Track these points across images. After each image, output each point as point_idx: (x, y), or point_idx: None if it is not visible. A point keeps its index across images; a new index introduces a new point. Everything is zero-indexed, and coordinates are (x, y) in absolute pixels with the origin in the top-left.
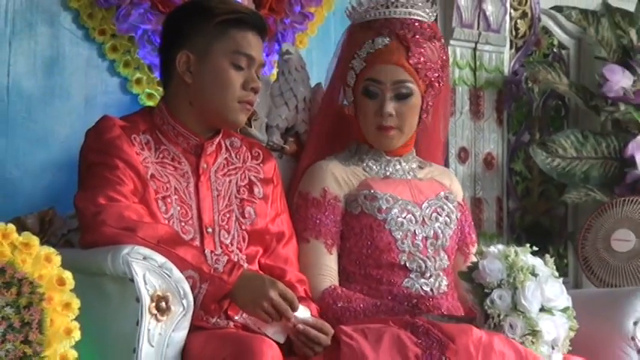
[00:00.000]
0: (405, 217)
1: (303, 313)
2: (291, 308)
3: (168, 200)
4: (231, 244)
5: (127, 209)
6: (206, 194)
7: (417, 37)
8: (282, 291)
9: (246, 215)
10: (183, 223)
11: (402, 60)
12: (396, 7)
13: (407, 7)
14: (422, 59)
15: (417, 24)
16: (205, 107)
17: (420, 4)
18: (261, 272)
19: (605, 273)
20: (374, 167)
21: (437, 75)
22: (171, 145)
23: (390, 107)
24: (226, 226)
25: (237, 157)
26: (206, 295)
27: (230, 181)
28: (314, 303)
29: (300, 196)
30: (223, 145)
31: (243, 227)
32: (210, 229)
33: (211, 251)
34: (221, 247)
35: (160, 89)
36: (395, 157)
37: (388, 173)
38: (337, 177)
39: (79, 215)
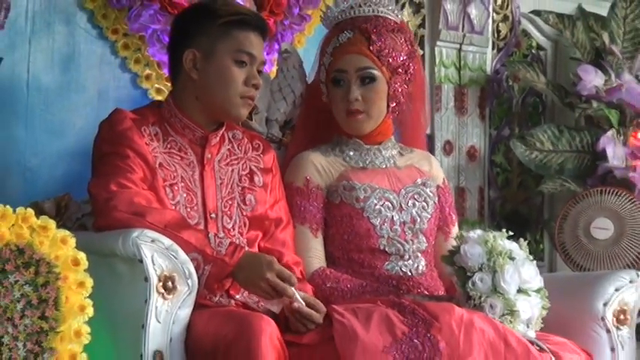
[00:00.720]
0: (382, 205)
1: (297, 293)
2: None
3: (175, 188)
4: (233, 229)
5: (136, 195)
6: (210, 182)
7: (379, 28)
8: (279, 271)
9: (247, 202)
10: (188, 209)
11: (364, 49)
12: (361, 7)
13: (371, 6)
14: (382, 46)
15: (380, 19)
16: (210, 102)
17: (386, 3)
18: (261, 254)
19: (582, 258)
20: (354, 157)
21: (401, 61)
22: (178, 137)
23: (357, 93)
24: (229, 212)
25: (239, 148)
26: (209, 276)
27: (232, 171)
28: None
29: (286, 186)
30: (226, 137)
31: (244, 213)
32: (213, 215)
33: (215, 234)
34: (223, 232)
35: (168, 85)
36: (374, 145)
37: (368, 162)
38: (318, 167)
39: (92, 201)
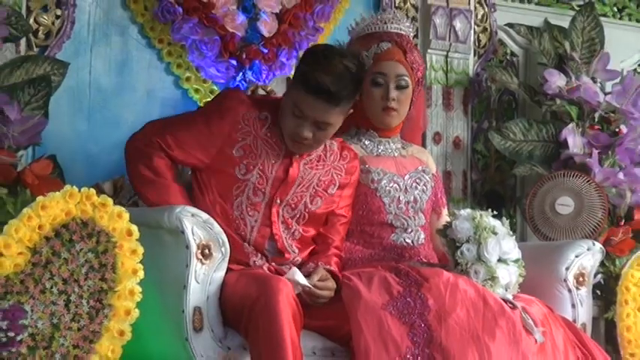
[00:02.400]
0: (391, 187)
1: (303, 279)
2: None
3: (251, 167)
4: (292, 218)
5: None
6: (293, 177)
7: (409, 44)
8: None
9: (314, 202)
10: (256, 188)
11: (402, 59)
12: (392, 23)
13: (397, 24)
14: (413, 60)
15: (405, 36)
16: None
17: (404, 21)
18: None
19: (548, 230)
20: (369, 145)
21: (421, 75)
22: (279, 131)
23: (394, 94)
24: (293, 205)
25: (330, 156)
26: None
27: (314, 174)
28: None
29: None
30: (326, 144)
31: (307, 209)
32: (278, 201)
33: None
34: (282, 218)
35: (205, 85)
36: (385, 138)
37: (380, 150)
38: None
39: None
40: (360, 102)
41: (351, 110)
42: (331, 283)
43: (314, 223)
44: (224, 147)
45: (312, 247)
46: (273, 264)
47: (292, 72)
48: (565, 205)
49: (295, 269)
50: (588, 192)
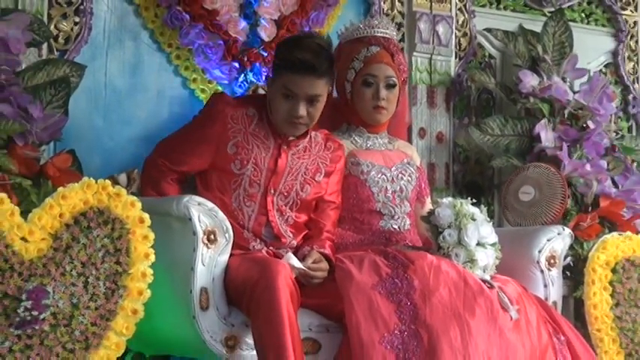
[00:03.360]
0: (379, 177)
1: (297, 262)
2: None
3: (245, 162)
4: (285, 206)
5: (162, 179)
6: (282, 167)
7: (396, 48)
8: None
9: (304, 190)
10: (252, 181)
11: (390, 61)
12: (379, 28)
13: (384, 29)
14: (399, 62)
15: (392, 40)
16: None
17: (389, 26)
18: None
19: (515, 216)
20: (359, 140)
21: (406, 76)
22: (266, 125)
23: (384, 93)
24: (285, 193)
25: (315, 147)
26: None
27: (302, 164)
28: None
29: None
30: (310, 136)
31: (299, 197)
32: (272, 191)
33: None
34: (277, 206)
35: (210, 85)
36: (373, 134)
37: (369, 145)
38: None
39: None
40: (351, 101)
41: (332, 88)
42: (324, 265)
43: (305, 209)
44: (219, 147)
45: (305, 232)
46: (271, 248)
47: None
48: (527, 193)
49: (290, 254)
50: (548, 181)
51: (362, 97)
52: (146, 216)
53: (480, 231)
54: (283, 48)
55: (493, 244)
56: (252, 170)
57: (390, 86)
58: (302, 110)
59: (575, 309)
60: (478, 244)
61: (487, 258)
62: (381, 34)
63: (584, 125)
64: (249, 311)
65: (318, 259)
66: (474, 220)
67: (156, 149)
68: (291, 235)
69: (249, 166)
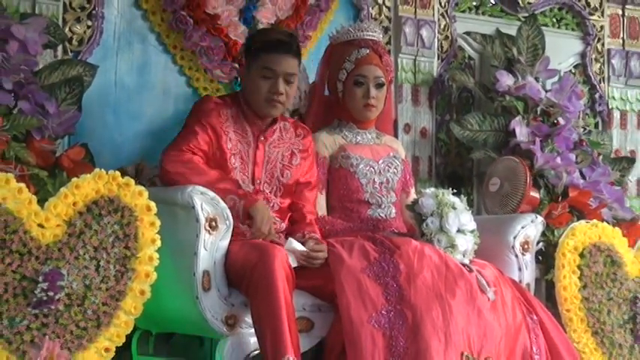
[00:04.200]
0: (368, 170)
1: (299, 246)
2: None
3: (236, 157)
4: (270, 192)
5: (189, 161)
6: (260, 158)
7: (383, 50)
8: (267, 217)
9: (284, 175)
10: (241, 174)
11: (379, 63)
12: (367, 31)
13: (372, 32)
14: (387, 63)
15: (379, 42)
16: (251, 104)
17: (377, 30)
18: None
19: (487, 205)
20: (349, 135)
21: (392, 76)
22: (244, 121)
23: (373, 92)
24: (269, 181)
25: (286, 135)
26: (242, 208)
27: (278, 152)
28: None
29: None
30: (279, 127)
31: (281, 183)
32: (258, 181)
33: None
34: (263, 194)
35: (212, 84)
36: (362, 129)
37: (358, 140)
38: (325, 143)
39: (165, 150)
40: (342, 99)
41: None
42: (323, 247)
43: (288, 193)
44: (217, 140)
45: (289, 215)
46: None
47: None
48: (494, 184)
49: (291, 239)
50: (514, 174)
51: (353, 96)
52: (153, 204)
53: (460, 219)
54: (257, 35)
55: (472, 231)
56: (240, 163)
57: (379, 85)
58: (282, 87)
59: (547, 290)
60: (458, 230)
61: (466, 244)
62: (370, 37)
63: (555, 121)
64: (248, 293)
65: (316, 243)
66: (454, 208)
67: (168, 151)
68: (278, 220)
69: (237, 159)
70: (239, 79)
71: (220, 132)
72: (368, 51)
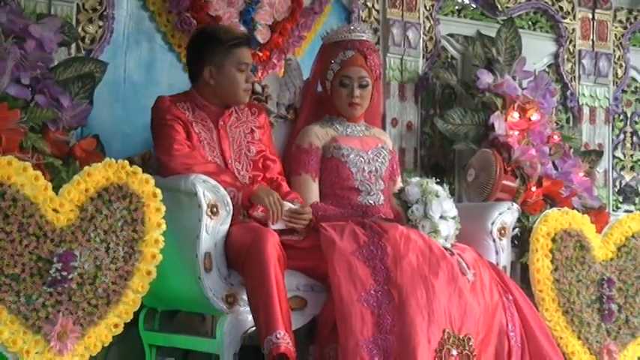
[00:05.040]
0: (358, 159)
1: (289, 204)
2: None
3: (204, 144)
4: (242, 169)
5: (187, 156)
6: (225, 140)
7: (369, 50)
8: (276, 196)
9: (250, 151)
10: (212, 158)
11: (363, 64)
12: (355, 32)
13: (360, 33)
14: (373, 63)
15: (366, 42)
16: (225, 95)
17: (366, 30)
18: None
19: (466, 193)
20: (340, 128)
21: (379, 73)
22: (201, 112)
23: (357, 92)
24: (238, 159)
25: (243, 115)
26: (242, 198)
27: (240, 131)
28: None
29: (296, 147)
30: (234, 110)
31: (249, 158)
32: (230, 161)
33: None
34: (236, 170)
35: None
36: (352, 123)
37: (349, 132)
38: (318, 135)
39: (160, 159)
40: (331, 96)
41: None
42: (308, 209)
43: (257, 168)
44: (188, 129)
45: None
46: (255, 214)
47: (280, 71)
48: (470, 174)
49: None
50: (489, 165)
51: (339, 95)
52: (158, 191)
53: (443, 206)
54: (222, 33)
55: (454, 218)
56: (209, 148)
57: (363, 86)
58: (252, 77)
59: (522, 273)
60: (441, 217)
61: (448, 229)
62: (357, 38)
63: (530, 117)
64: (243, 272)
65: (301, 207)
66: (437, 196)
67: (164, 153)
68: None
69: (206, 145)
70: (193, 77)
71: (186, 121)
72: (353, 53)
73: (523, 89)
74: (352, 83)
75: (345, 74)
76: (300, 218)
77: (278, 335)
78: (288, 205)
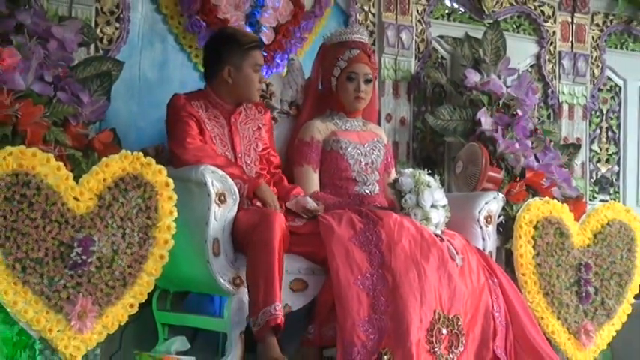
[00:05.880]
0: (355, 152)
1: (312, 202)
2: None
3: (215, 139)
4: (251, 163)
5: (200, 149)
6: (236, 135)
7: (370, 51)
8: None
9: (258, 146)
10: (224, 152)
11: (368, 61)
12: (357, 34)
13: (360, 35)
14: (373, 62)
15: (367, 44)
16: (241, 94)
17: (365, 34)
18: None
19: (455, 184)
20: (339, 123)
21: (376, 73)
22: (214, 109)
23: (363, 87)
24: (248, 153)
25: (251, 113)
26: (247, 190)
27: (248, 128)
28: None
29: (298, 141)
30: (243, 109)
31: (257, 153)
32: (240, 155)
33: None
34: (245, 164)
35: None
36: (351, 118)
37: (347, 127)
38: (319, 129)
39: (174, 152)
40: (336, 92)
41: None
42: (322, 207)
43: (263, 163)
44: (201, 126)
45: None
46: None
47: (283, 70)
48: (458, 167)
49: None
50: (474, 157)
51: (346, 90)
52: (171, 181)
53: (434, 196)
54: (240, 36)
55: (444, 206)
56: (220, 144)
57: (368, 81)
58: (264, 78)
59: (506, 257)
60: (432, 206)
61: (439, 217)
62: (359, 39)
63: (515, 113)
64: (247, 248)
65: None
66: (429, 187)
67: (177, 147)
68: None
69: (218, 140)
70: (210, 76)
71: (199, 118)
72: (358, 51)
73: (507, 87)
74: (358, 79)
75: (352, 70)
76: (313, 214)
77: (276, 307)
78: (311, 204)
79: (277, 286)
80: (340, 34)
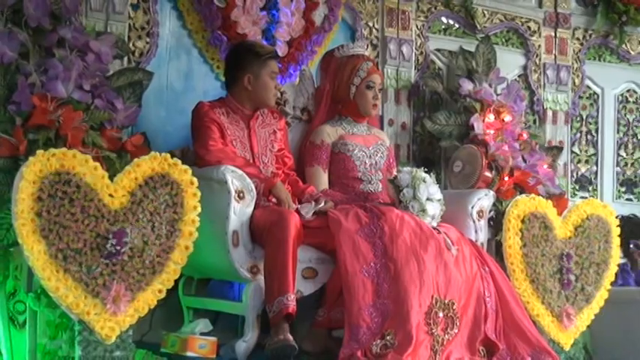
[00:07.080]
0: (361, 154)
1: (330, 203)
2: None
3: (235, 142)
4: (267, 162)
5: (221, 151)
6: (254, 138)
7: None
8: (288, 194)
9: (274, 147)
10: (243, 153)
11: (379, 73)
12: (364, 48)
13: (364, 50)
14: (381, 74)
15: (373, 59)
16: (259, 100)
17: (364, 47)
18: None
19: (452, 182)
20: (347, 127)
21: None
22: (235, 115)
23: (379, 95)
24: (265, 153)
25: (267, 118)
26: (263, 189)
27: (265, 131)
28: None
29: (310, 144)
30: (260, 114)
31: (273, 153)
32: (257, 155)
33: (262, 167)
34: (262, 163)
35: None
36: (358, 123)
37: (354, 130)
38: (329, 133)
39: (197, 153)
40: (353, 99)
41: None
42: (331, 203)
43: (278, 162)
44: (222, 131)
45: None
46: (274, 201)
47: (296, 80)
48: (457, 166)
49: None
50: (472, 158)
51: (365, 97)
52: (195, 179)
53: (429, 190)
54: (258, 48)
55: (439, 200)
56: (240, 146)
57: (380, 89)
58: (279, 85)
59: (496, 248)
60: (428, 199)
61: (434, 209)
62: (366, 53)
63: (504, 119)
64: (265, 243)
65: (325, 201)
66: (425, 182)
67: (201, 149)
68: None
69: (238, 143)
70: (231, 83)
71: (221, 123)
72: (371, 63)
73: (498, 95)
74: (375, 87)
75: (370, 79)
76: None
77: (289, 297)
78: (329, 203)
79: (291, 279)
80: (353, 48)
